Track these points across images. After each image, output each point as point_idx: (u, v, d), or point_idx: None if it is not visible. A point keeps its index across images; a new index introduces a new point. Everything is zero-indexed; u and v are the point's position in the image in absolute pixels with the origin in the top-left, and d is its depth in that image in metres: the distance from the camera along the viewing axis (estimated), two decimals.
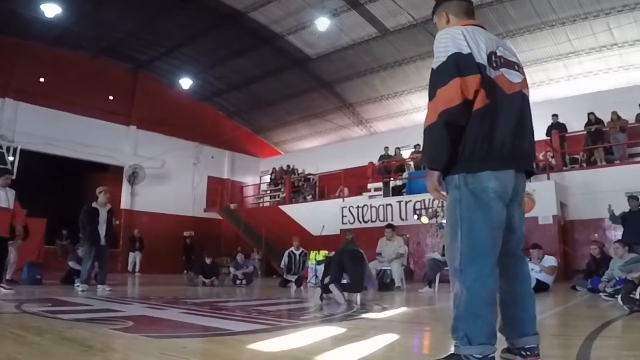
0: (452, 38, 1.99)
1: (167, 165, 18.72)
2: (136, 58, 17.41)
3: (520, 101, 2.08)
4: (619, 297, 4.11)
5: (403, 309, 4.95)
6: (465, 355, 1.89)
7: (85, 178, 17.68)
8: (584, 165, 12.45)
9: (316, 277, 10.37)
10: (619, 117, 12.43)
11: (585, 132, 12.73)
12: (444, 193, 2.06)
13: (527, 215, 2.44)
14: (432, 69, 2.03)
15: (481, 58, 1.97)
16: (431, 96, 1.99)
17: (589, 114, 12.79)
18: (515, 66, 2.12)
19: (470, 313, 1.92)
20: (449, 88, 1.92)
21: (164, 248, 16.79)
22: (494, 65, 2.01)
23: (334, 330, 3.34)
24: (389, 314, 4.57)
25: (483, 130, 1.96)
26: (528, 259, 7.00)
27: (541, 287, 7.13)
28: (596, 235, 10.94)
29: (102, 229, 7.33)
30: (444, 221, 10.07)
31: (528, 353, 2.04)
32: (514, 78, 2.08)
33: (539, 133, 11.05)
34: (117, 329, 3.09)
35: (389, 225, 9.40)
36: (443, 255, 8.41)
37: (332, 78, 17.55)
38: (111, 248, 8.64)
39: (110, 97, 17.61)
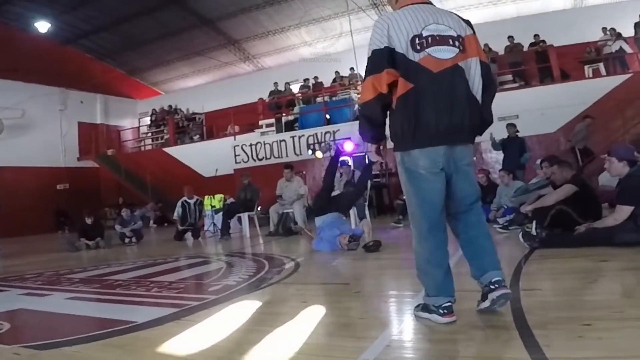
0: (375, 33, 2.16)
1: (28, 114, 16.55)
2: None
3: (450, 77, 2.14)
4: (520, 235, 4.28)
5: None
6: (427, 304, 2.26)
7: None
8: None
9: (214, 225, 9.87)
10: (490, 49, 13.32)
11: None
12: (381, 159, 2.43)
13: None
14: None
15: (401, 47, 2.12)
16: None
17: None
18: (450, 40, 2.17)
19: (419, 270, 2.32)
20: (364, 85, 2.20)
21: (33, 205, 15.00)
22: (417, 48, 2.12)
23: (253, 306, 3.03)
24: (303, 273, 4.30)
25: (408, 113, 2.15)
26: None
27: None
28: (474, 158, 11.78)
29: None
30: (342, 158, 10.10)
31: (496, 285, 2.18)
32: (445, 54, 2.14)
33: None
34: None
35: (288, 166, 9.10)
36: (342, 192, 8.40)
37: (214, 15, 16.39)
38: None
39: None
